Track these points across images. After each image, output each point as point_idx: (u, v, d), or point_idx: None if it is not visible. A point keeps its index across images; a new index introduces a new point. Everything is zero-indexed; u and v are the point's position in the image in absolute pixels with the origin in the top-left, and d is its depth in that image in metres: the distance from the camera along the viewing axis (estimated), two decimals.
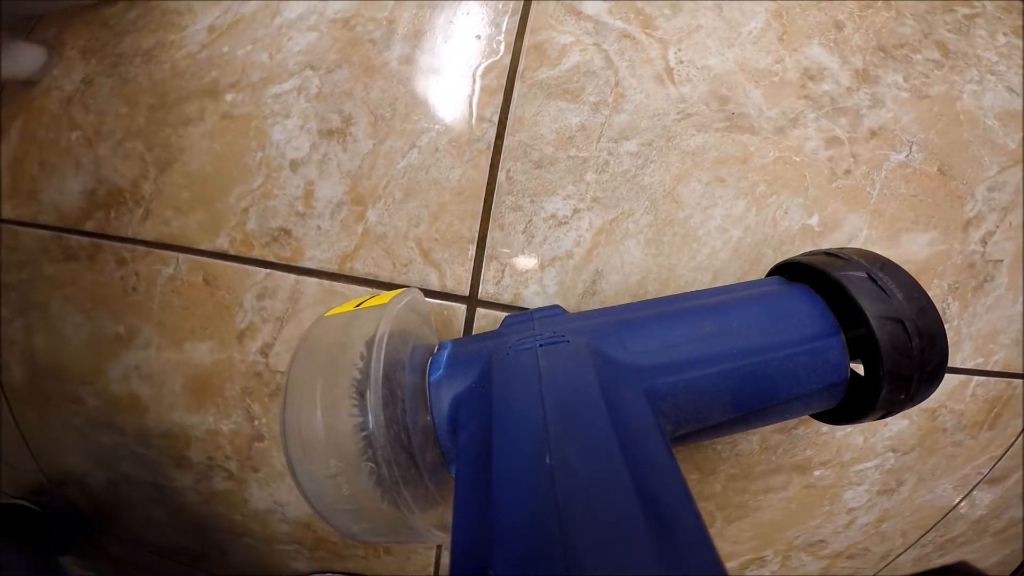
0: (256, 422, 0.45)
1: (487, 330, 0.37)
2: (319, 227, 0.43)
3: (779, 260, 0.39)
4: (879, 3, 0.47)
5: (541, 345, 0.27)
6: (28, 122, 0.59)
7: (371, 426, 0.23)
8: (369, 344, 0.25)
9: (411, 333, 0.29)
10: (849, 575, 0.51)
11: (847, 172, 0.41)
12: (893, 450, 0.45)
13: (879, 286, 0.27)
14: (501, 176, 0.40)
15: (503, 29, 0.43)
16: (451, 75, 0.43)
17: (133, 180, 0.50)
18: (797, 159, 0.41)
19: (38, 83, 0.61)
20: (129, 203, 0.50)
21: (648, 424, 0.22)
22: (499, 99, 0.41)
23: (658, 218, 0.40)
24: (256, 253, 0.44)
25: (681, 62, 0.42)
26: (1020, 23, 0.50)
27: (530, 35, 0.43)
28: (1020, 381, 0.45)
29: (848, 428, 0.43)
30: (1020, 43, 0.48)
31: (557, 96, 0.41)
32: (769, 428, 0.42)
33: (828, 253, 0.31)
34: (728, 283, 0.36)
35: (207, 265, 0.46)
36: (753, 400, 0.26)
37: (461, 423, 0.26)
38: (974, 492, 0.49)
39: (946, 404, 0.44)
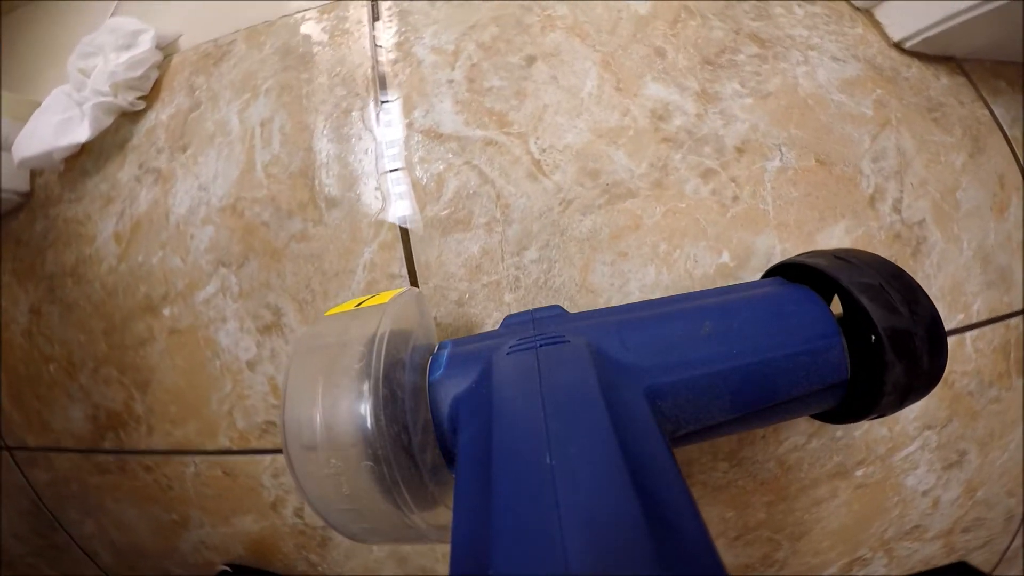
0: (318, 568, 0.48)
1: None
2: None
3: None
4: (683, 14, 0.44)
5: (541, 345, 0.24)
6: (7, 359, 0.57)
7: (371, 425, 0.21)
8: (369, 343, 0.23)
9: (411, 332, 0.27)
10: (980, 545, 0.46)
11: (735, 199, 0.39)
12: (928, 427, 0.41)
13: (887, 293, 0.25)
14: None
15: (377, 180, 0.41)
16: (347, 241, 0.41)
17: (124, 402, 0.50)
18: (683, 205, 0.39)
19: None
20: (130, 423, 0.50)
21: (648, 424, 0.21)
22: (400, 251, 0.40)
23: None
24: (255, 444, 0.45)
25: (544, 150, 0.40)
26: None
27: (405, 175, 0.40)
28: (1017, 320, 0.42)
29: (865, 426, 0.40)
30: (816, 9, 0.45)
31: (451, 229, 0.39)
32: (783, 449, 0.40)
33: (836, 256, 0.28)
34: None
35: (220, 461, 0.46)
36: (753, 400, 0.25)
37: (461, 423, 0.24)
38: None
39: (953, 369, 0.40)
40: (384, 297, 0.28)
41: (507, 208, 0.39)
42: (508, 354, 0.25)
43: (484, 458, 0.19)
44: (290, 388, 0.23)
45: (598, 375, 0.21)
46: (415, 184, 0.40)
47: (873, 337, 0.24)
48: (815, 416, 0.30)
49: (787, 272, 0.31)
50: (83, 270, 0.50)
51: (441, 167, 0.40)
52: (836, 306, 0.27)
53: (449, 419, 0.25)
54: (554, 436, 0.18)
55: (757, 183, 0.39)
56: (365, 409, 0.21)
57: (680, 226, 0.39)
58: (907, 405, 0.26)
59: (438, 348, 0.28)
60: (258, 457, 0.45)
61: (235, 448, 0.45)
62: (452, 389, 0.25)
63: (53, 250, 0.53)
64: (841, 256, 0.28)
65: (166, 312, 0.46)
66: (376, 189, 0.41)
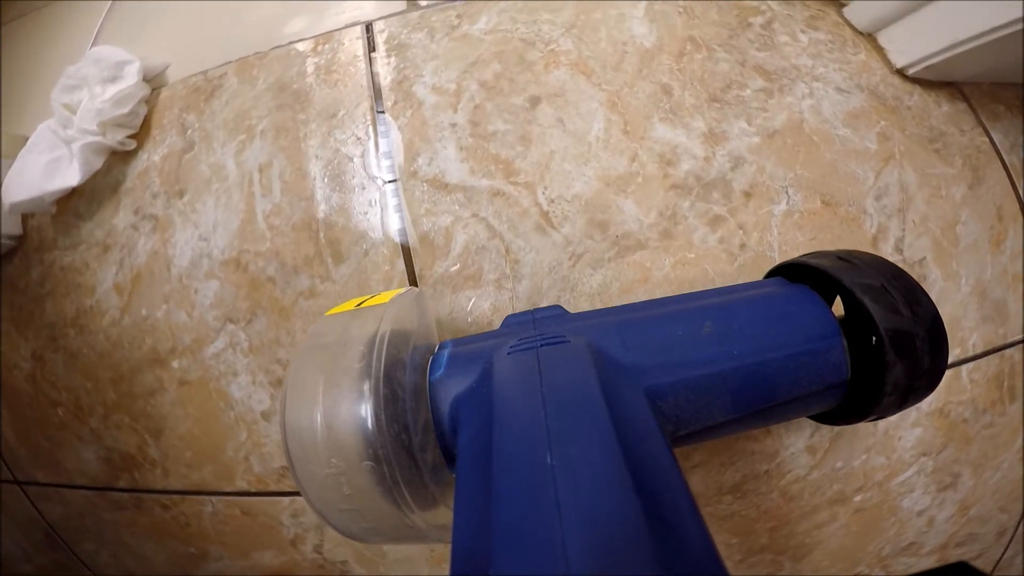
0: None
1: None
2: None
3: None
4: (689, 47, 0.42)
5: (542, 345, 0.24)
6: (10, 401, 0.56)
7: (371, 425, 0.21)
8: (370, 343, 0.23)
9: (412, 332, 0.26)
10: (974, 557, 0.47)
11: (742, 246, 0.38)
12: (924, 455, 0.42)
13: (889, 294, 0.25)
14: None
15: (383, 233, 0.39)
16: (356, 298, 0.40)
17: (137, 446, 0.49)
18: (692, 256, 0.38)
19: None
20: (145, 465, 0.49)
21: (649, 424, 0.20)
22: None
23: None
24: (273, 487, 0.44)
25: (552, 201, 0.39)
26: (807, 15, 0.44)
27: (412, 228, 0.39)
28: (1011, 350, 0.42)
29: (864, 455, 0.41)
30: (820, 36, 0.43)
31: (461, 287, 0.39)
32: (785, 482, 0.40)
33: (839, 256, 0.28)
34: None
35: (238, 502, 0.46)
36: (754, 400, 0.24)
37: (462, 423, 0.23)
38: None
39: (949, 400, 0.41)
40: (384, 297, 0.27)
41: (516, 264, 0.38)
42: (509, 354, 0.24)
43: (484, 458, 0.18)
44: (291, 388, 0.22)
45: (599, 375, 0.21)
46: (423, 238, 0.39)
47: (874, 338, 0.24)
48: (815, 417, 0.30)
49: (788, 272, 0.31)
50: (85, 321, 0.49)
51: (449, 220, 0.39)
52: (836, 307, 0.27)
53: (450, 419, 0.24)
54: (554, 436, 0.18)
55: (764, 229, 0.39)
56: (366, 409, 0.21)
57: (689, 277, 0.38)
58: (908, 406, 0.26)
59: (439, 348, 0.28)
60: (276, 499, 0.45)
61: (252, 491, 0.45)
62: (453, 389, 0.25)
63: (51, 299, 0.51)
64: (843, 257, 0.27)
65: (175, 364, 0.45)
66: (383, 243, 0.40)
